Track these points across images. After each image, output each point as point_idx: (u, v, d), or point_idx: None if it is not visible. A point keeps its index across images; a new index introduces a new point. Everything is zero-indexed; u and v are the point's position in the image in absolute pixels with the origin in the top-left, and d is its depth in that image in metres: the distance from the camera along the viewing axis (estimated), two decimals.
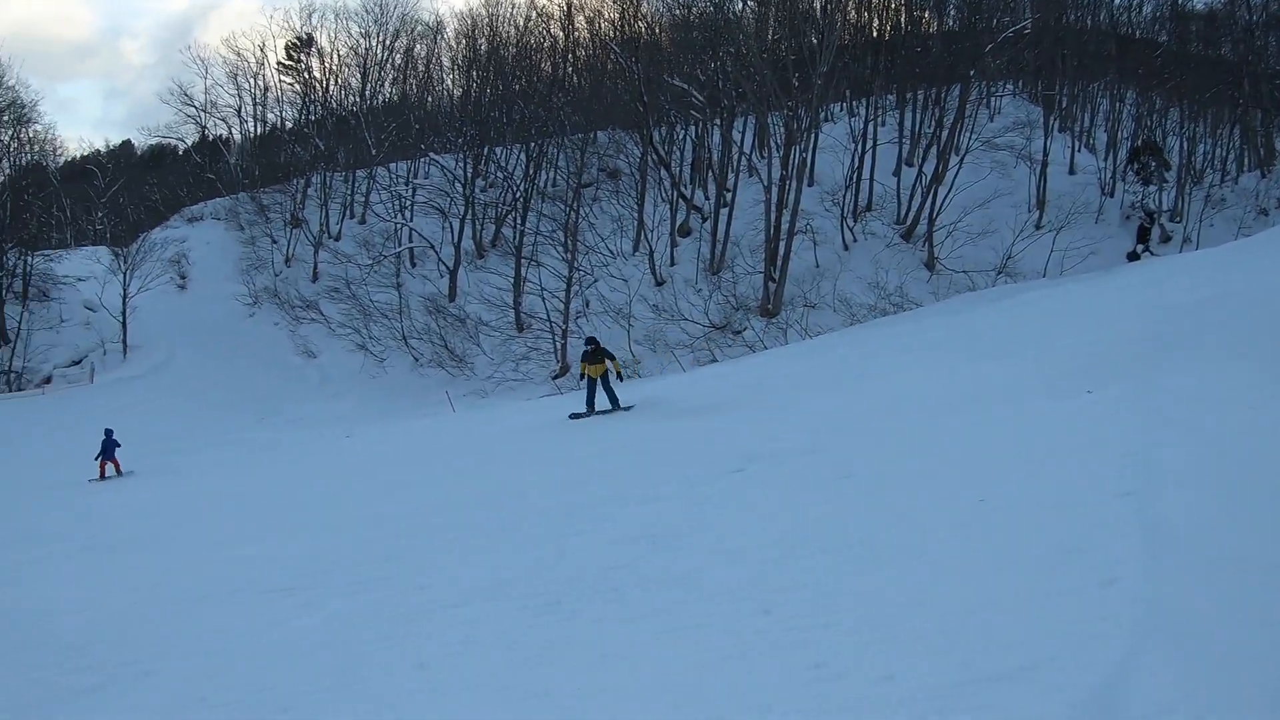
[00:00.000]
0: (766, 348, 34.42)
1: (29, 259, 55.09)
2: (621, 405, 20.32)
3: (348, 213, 58.44)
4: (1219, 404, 9.43)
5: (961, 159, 42.99)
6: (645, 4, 55.38)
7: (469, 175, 48.82)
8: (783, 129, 41.50)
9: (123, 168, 79.85)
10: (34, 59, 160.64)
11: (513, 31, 61.57)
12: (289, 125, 68.75)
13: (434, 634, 7.17)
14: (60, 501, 24.05)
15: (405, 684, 6.23)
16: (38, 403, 45.60)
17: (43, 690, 7.53)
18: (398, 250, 51.03)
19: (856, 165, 44.22)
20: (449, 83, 69.34)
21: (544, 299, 39.38)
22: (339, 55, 65.76)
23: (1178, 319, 15.51)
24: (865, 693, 4.58)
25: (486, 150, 51.40)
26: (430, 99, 67.28)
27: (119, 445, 27.36)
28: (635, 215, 45.40)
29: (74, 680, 7.64)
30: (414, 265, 51.14)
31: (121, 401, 43.22)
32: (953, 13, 54.50)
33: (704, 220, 45.07)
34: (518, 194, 47.97)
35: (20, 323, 52.30)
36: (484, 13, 65.99)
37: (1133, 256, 42.22)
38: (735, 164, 47.83)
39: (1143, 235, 44.49)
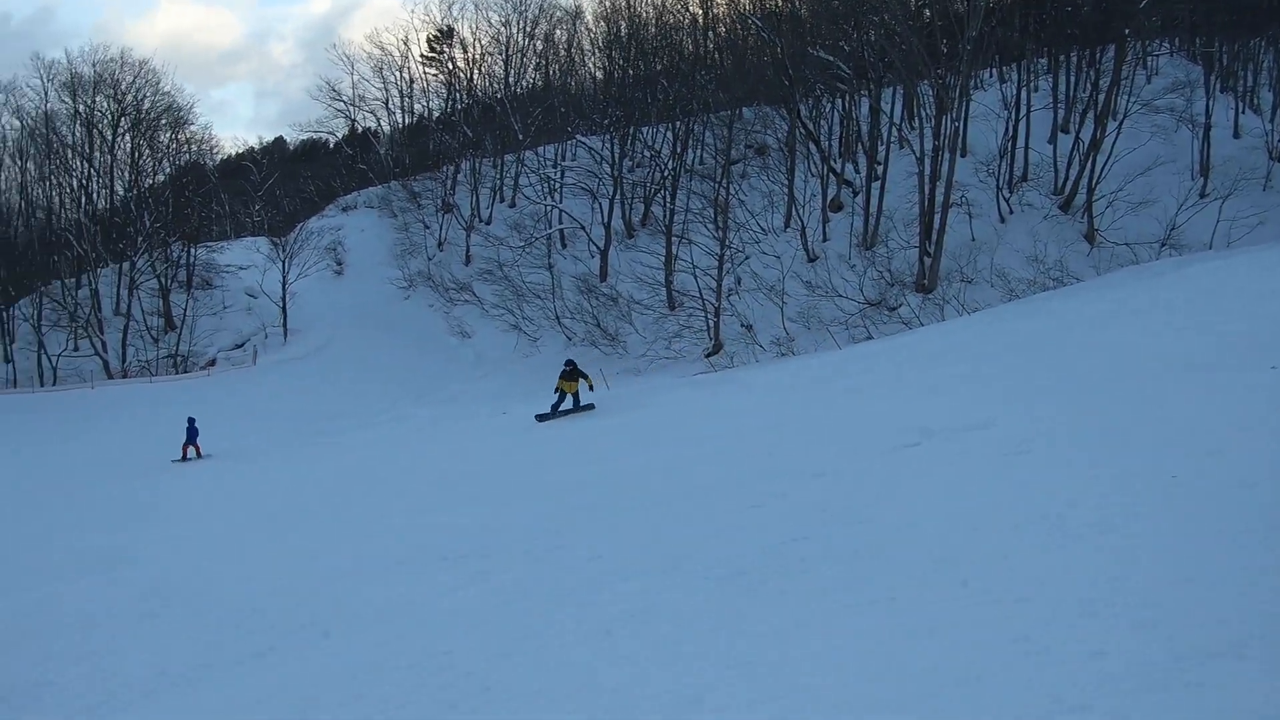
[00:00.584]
0: (922, 324, 33.89)
1: (192, 251, 58.56)
2: (582, 405, 24.86)
3: (497, 197, 59.94)
4: None
5: (1120, 124, 41.42)
6: None
7: (616, 156, 49.47)
8: (932, 99, 40.83)
9: (276, 162, 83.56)
10: (186, 67, 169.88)
11: (651, 11, 61.99)
12: (436, 115, 70.54)
13: (614, 602, 7.10)
14: (225, 474, 25.75)
15: (590, 651, 6.18)
16: (203, 383, 48.33)
17: (220, 652, 7.92)
18: (548, 232, 52.14)
19: (1010, 134, 43.20)
20: (590, 65, 70.18)
21: (696, 277, 39.59)
22: (480, 45, 67.26)
23: None
24: (1077, 669, 4.43)
25: (632, 130, 51.90)
26: (573, 83, 68.15)
27: (199, 433, 30.50)
28: (785, 191, 45.29)
29: (250, 642, 8.02)
30: (564, 246, 52.20)
31: (283, 382, 45.62)
32: None
33: (855, 194, 44.74)
34: (666, 173, 48.42)
35: (186, 310, 55.85)
36: None
37: None
38: (885, 136, 47.17)
39: None
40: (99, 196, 62.90)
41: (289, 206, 76.45)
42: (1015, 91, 44.43)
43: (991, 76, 51.58)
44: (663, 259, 43.61)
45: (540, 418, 24.86)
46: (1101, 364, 13.92)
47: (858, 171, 46.29)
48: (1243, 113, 48.98)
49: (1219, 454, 7.73)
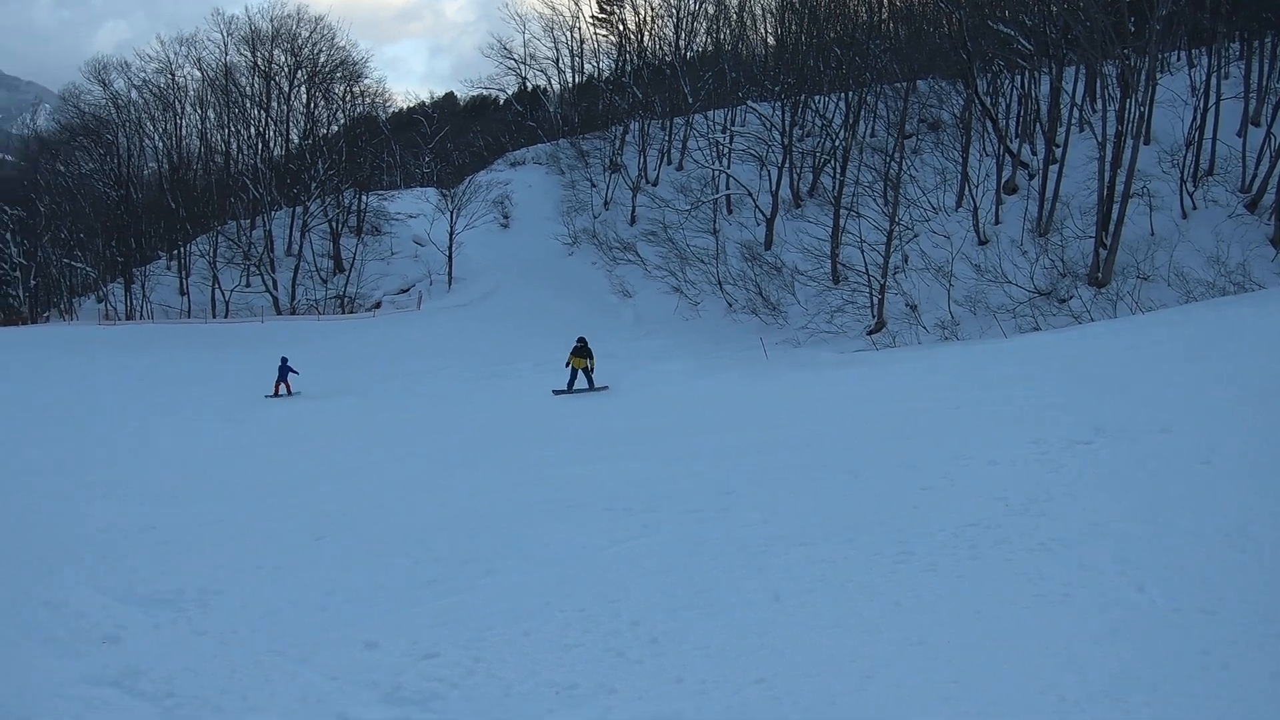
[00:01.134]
0: (1093, 319, 32.35)
1: (363, 198, 61.19)
2: (596, 386, 26.52)
3: (665, 159, 60.42)
4: None
5: None
6: None
7: (787, 124, 48.88)
8: (1116, 80, 39.44)
9: (447, 117, 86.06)
10: (361, 25, 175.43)
11: None
12: (605, 75, 71.34)
13: (785, 569, 7.18)
14: (387, 408, 27.04)
15: (762, 614, 6.27)
16: (369, 323, 50.67)
17: (391, 575, 8.23)
18: (715, 197, 52.05)
19: (1197, 123, 41.06)
20: (762, 31, 70.01)
21: (863, 251, 38.80)
22: (651, 6, 67.70)
23: None
24: (1257, 688, 4.41)
25: (804, 98, 51.38)
26: (744, 48, 68.15)
27: (295, 371, 32.03)
28: (959, 169, 44.09)
29: (419, 571, 8.27)
30: (730, 212, 52.12)
31: (447, 327, 47.24)
32: None
33: (1031, 177, 43.15)
34: (837, 143, 47.64)
35: (355, 253, 58.44)
36: None
37: None
38: (1065, 118, 45.29)
39: None
40: (275, 144, 66.58)
41: (459, 160, 78.66)
42: (1205, 77, 42.02)
43: (1180, 60, 49.09)
44: (829, 231, 42.98)
45: (556, 392, 26.51)
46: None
47: (1034, 153, 44.72)
48: None
49: None
